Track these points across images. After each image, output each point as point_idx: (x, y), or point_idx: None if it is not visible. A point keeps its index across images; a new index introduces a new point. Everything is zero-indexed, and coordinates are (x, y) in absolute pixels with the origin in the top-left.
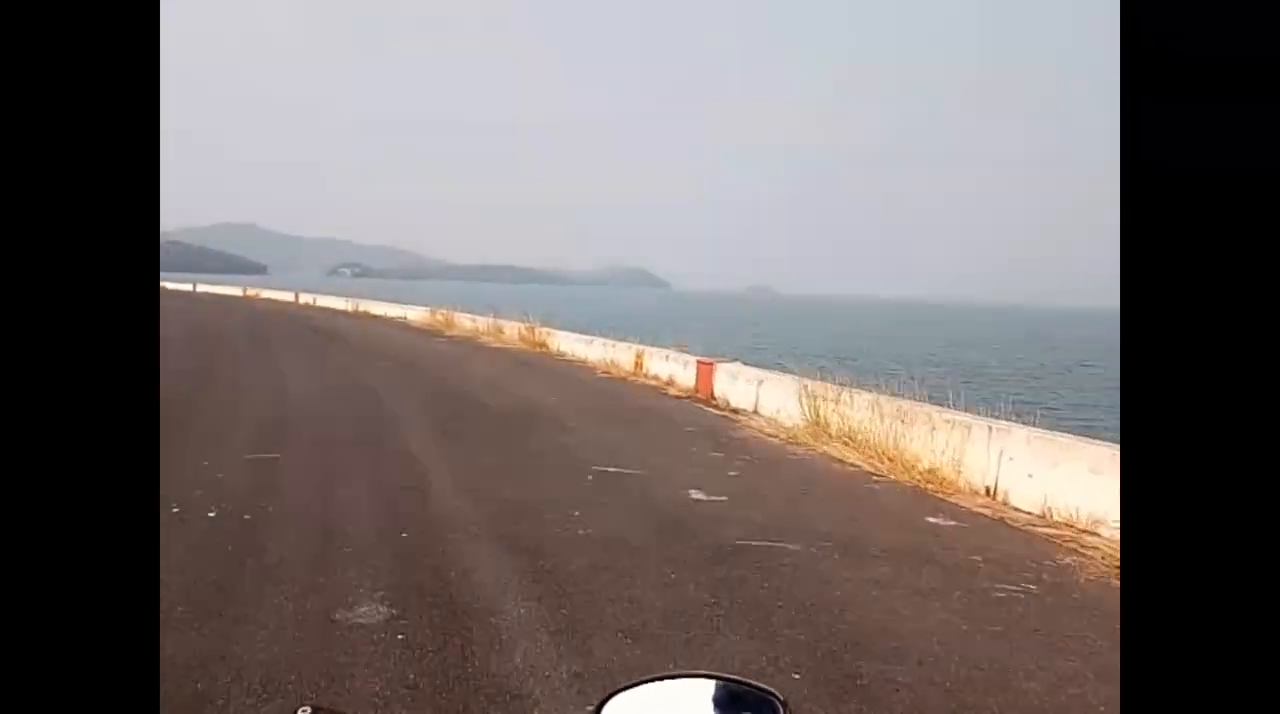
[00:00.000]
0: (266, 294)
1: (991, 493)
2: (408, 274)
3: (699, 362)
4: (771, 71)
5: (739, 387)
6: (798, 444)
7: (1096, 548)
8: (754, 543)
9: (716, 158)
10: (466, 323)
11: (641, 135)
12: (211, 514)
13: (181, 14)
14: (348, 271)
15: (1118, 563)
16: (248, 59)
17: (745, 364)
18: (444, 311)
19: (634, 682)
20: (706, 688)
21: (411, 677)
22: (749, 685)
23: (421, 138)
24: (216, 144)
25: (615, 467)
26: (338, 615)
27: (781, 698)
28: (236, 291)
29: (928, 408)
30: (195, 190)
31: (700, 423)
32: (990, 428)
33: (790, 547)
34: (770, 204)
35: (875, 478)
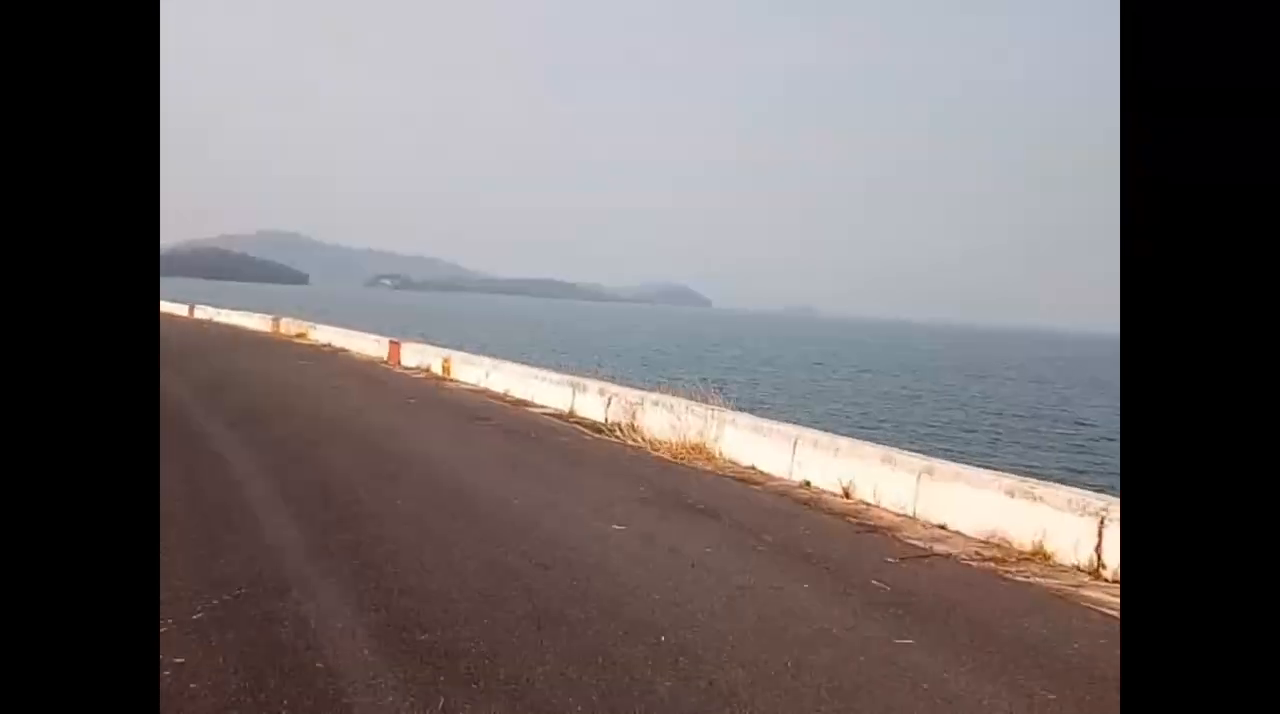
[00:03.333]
0: (322, 333)
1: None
2: (447, 286)
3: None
4: (816, 84)
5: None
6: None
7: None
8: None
9: (764, 175)
10: None
11: (686, 148)
12: None
13: (232, 21)
14: (388, 282)
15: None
16: (296, 70)
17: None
18: None
19: None
20: None
21: None
22: None
23: (465, 149)
24: (261, 150)
25: None
26: None
27: None
28: (257, 323)
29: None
30: (239, 200)
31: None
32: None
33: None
34: (816, 223)
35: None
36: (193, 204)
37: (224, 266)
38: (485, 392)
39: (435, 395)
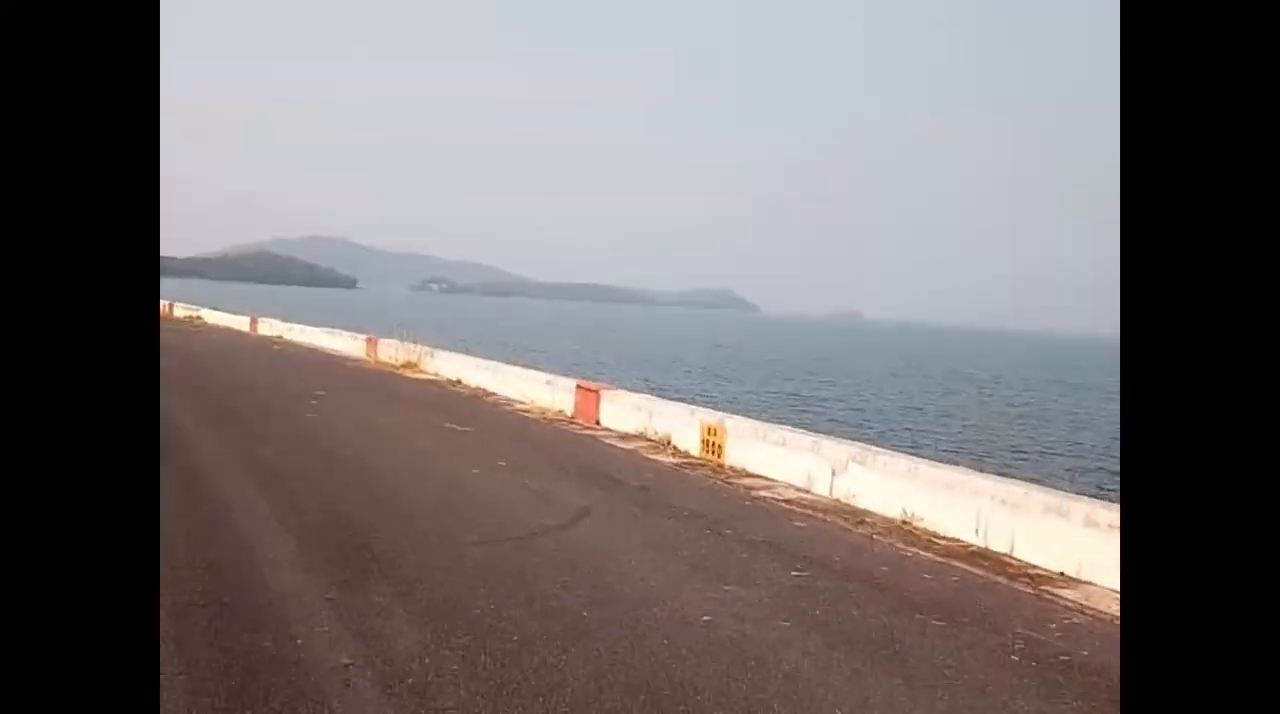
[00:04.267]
0: (444, 364)
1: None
2: (493, 291)
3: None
4: (866, 83)
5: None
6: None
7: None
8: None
9: (812, 180)
10: None
11: (734, 154)
12: None
13: (276, 26)
14: (435, 287)
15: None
16: (339, 75)
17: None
18: None
19: None
20: None
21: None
22: None
23: (507, 155)
24: (307, 156)
25: None
26: None
27: None
28: (345, 345)
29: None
30: (287, 203)
31: None
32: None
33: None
34: (863, 227)
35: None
36: (243, 209)
37: (274, 271)
38: (874, 519)
39: (800, 541)
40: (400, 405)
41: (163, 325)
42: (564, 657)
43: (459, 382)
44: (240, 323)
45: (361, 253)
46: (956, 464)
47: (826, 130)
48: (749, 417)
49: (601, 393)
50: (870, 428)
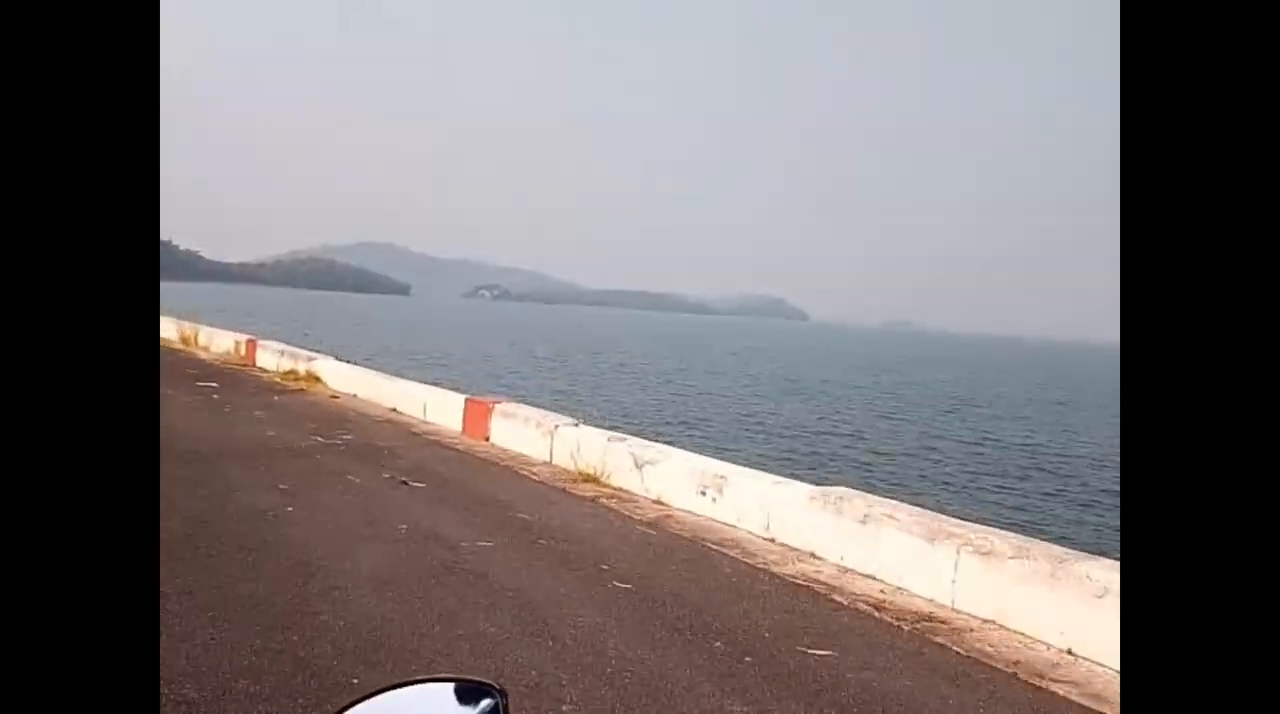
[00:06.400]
0: None
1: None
2: (544, 298)
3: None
4: (920, 88)
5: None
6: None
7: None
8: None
9: (861, 186)
10: None
11: (784, 158)
12: None
13: (331, 34)
14: (487, 293)
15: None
16: (393, 78)
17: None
18: None
19: (350, 701)
20: (426, 692)
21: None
22: (467, 682)
23: (558, 159)
24: (358, 160)
25: None
26: None
27: (499, 687)
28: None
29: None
30: (339, 208)
31: None
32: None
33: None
34: (915, 237)
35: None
36: (296, 215)
37: (328, 276)
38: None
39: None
40: None
41: (250, 413)
42: None
43: None
44: (424, 406)
45: (412, 258)
46: None
47: (879, 140)
48: None
49: None
50: None
